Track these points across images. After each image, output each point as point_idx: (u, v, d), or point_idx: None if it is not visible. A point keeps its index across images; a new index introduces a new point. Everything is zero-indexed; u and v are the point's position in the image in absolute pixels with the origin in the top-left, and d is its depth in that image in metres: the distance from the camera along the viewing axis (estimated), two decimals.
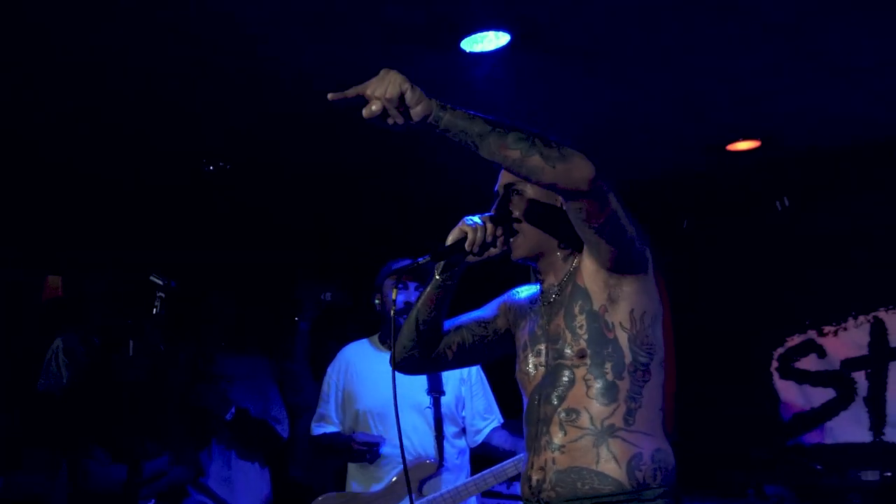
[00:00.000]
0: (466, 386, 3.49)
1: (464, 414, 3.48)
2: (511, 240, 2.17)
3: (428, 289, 2.25)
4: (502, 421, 3.55)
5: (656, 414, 2.11)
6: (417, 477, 3.25)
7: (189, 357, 4.31)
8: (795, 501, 3.95)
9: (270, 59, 3.21)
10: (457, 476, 3.35)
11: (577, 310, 2.13)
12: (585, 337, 2.11)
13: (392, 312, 3.11)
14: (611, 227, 2.02)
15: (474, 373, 3.52)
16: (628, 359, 2.08)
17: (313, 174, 4.50)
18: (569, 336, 2.13)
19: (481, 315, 2.38)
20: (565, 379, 2.12)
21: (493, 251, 2.16)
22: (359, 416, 3.42)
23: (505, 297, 2.39)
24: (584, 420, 2.07)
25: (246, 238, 5.27)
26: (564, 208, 2.06)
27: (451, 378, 3.42)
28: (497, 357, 2.42)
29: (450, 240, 2.14)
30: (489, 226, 2.12)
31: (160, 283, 3.09)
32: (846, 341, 4.30)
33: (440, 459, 3.30)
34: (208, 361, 4.28)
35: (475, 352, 2.38)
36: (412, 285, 3.35)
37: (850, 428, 4.25)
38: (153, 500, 4.00)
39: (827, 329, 4.35)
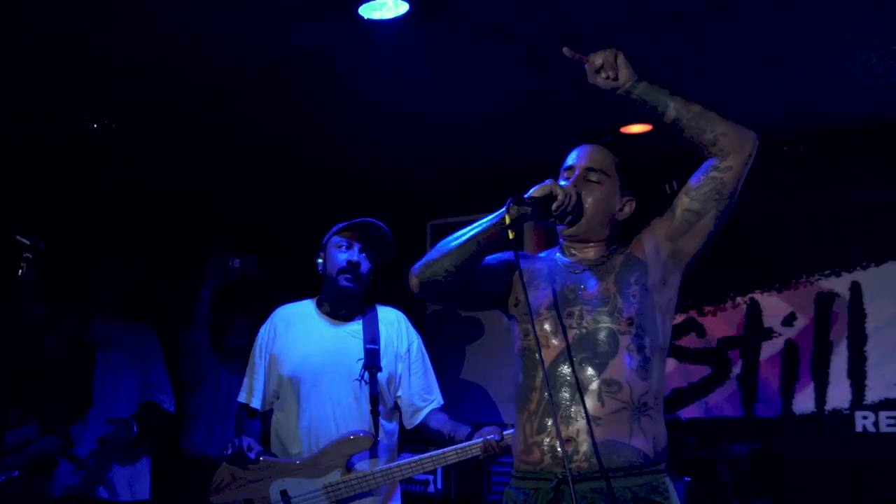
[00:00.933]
0: (404, 363, 3.28)
1: (399, 393, 3.28)
2: (577, 217, 2.26)
3: (489, 226, 2.20)
4: (442, 403, 3.35)
5: (663, 395, 2.23)
6: (348, 452, 3.07)
7: (73, 324, 4.17)
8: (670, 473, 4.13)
9: (171, 26, 3.10)
10: (388, 457, 3.17)
11: (633, 279, 2.22)
12: (637, 306, 2.18)
13: (336, 272, 3.18)
14: (728, 204, 2.22)
15: (414, 349, 3.33)
16: (660, 339, 2.21)
17: (234, 143, 4.38)
18: (620, 301, 2.19)
19: (496, 264, 2.35)
20: (606, 345, 2.16)
21: (559, 222, 2.26)
22: (283, 381, 3.22)
23: (512, 254, 2.24)
24: (625, 394, 2.12)
25: (156, 204, 5.09)
26: (700, 175, 2.23)
27: (387, 354, 3.24)
28: (493, 308, 2.40)
29: (537, 193, 2.19)
30: (574, 197, 2.23)
31: (27, 243, 2.89)
32: (724, 321, 4.49)
33: (375, 435, 3.10)
34: (84, 327, 4.15)
35: (485, 297, 2.36)
36: (357, 246, 3.22)
37: (723, 403, 4.44)
38: (17, 472, 3.84)
39: (707, 308, 4.52)
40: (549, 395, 2.14)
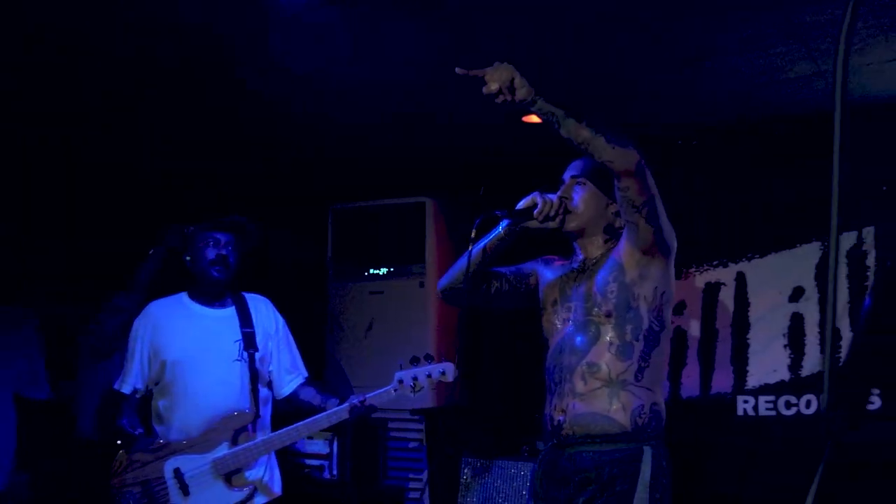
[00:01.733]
0: (274, 341, 3.58)
1: (271, 369, 3.57)
2: (567, 216, 2.70)
3: (491, 238, 2.77)
4: (306, 376, 3.67)
5: (659, 375, 2.65)
6: (233, 426, 3.31)
7: None
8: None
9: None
10: (267, 427, 3.45)
11: (611, 278, 2.63)
12: (614, 301, 2.60)
13: (208, 264, 3.43)
14: (649, 209, 2.53)
15: (281, 329, 3.63)
16: (645, 325, 2.58)
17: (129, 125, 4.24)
18: (599, 298, 2.62)
19: (519, 269, 2.91)
20: (591, 334, 2.61)
21: (551, 224, 2.69)
22: (165, 366, 3.41)
23: (539, 260, 2.92)
24: (604, 374, 2.56)
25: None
26: (616, 193, 2.58)
27: (260, 335, 3.51)
28: (520, 306, 2.93)
29: (522, 205, 2.69)
30: (556, 202, 2.67)
31: None
32: None
33: (255, 410, 3.37)
34: None
35: (506, 297, 2.88)
36: (223, 239, 3.46)
37: None
38: None
39: None
40: (550, 373, 2.69)
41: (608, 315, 2.59)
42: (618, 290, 2.61)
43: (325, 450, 4.72)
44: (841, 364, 3.92)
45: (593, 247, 2.77)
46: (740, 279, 4.33)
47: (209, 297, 3.51)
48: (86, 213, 4.94)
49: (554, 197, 2.71)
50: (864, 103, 3.80)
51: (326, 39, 3.22)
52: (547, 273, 2.87)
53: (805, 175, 4.05)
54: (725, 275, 4.37)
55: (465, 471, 4.34)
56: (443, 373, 3.20)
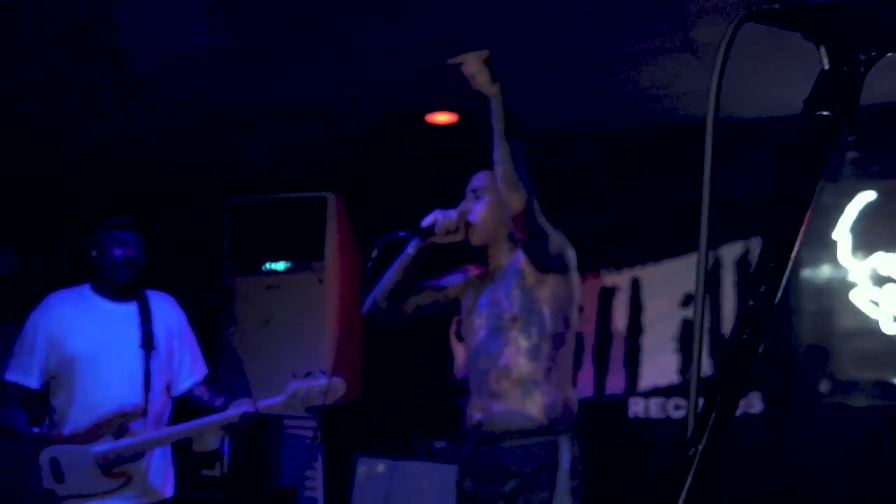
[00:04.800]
0: (177, 339, 3.58)
1: (171, 366, 3.56)
2: (469, 230, 2.85)
3: (402, 258, 2.87)
4: (206, 372, 3.67)
5: (566, 372, 2.83)
6: (119, 422, 3.29)
7: None
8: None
9: None
10: (158, 427, 3.42)
11: (513, 283, 2.80)
12: (518, 306, 2.77)
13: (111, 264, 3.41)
14: (533, 244, 2.73)
15: (183, 326, 3.64)
16: (549, 327, 2.76)
17: None
18: (504, 304, 2.80)
19: (437, 283, 3.02)
20: (501, 338, 2.78)
21: (453, 238, 2.84)
22: (63, 360, 3.38)
23: (459, 270, 3.05)
24: (515, 374, 2.74)
25: None
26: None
27: (162, 330, 3.51)
28: (443, 315, 3.12)
29: (425, 223, 2.82)
30: (454, 219, 2.82)
31: None
32: None
33: (145, 406, 3.34)
34: None
35: (428, 311, 3.01)
36: (132, 239, 3.46)
37: None
38: None
39: None
40: (470, 377, 2.88)
41: (514, 319, 2.76)
42: (520, 295, 2.78)
43: (216, 446, 4.62)
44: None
45: (500, 254, 2.91)
46: (635, 284, 4.44)
47: (114, 292, 3.49)
48: None
49: (454, 213, 2.85)
50: (760, 118, 3.95)
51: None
52: (464, 282, 3.01)
53: (699, 183, 4.17)
54: (621, 279, 4.47)
55: (360, 470, 4.31)
56: (334, 390, 3.27)
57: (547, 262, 2.78)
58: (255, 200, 5.06)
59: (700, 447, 0.77)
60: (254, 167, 4.97)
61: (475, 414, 2.82)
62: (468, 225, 2.87)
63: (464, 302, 3.00)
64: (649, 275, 4.42)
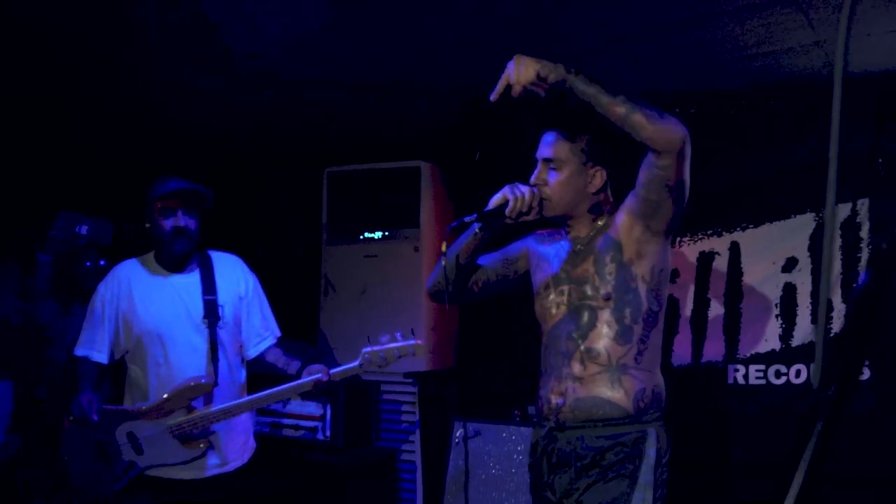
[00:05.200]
0: (244, 303, 3.51)
1: (241, 331, 3.51)
2: (545, 204, 2.58)
3: (468, 238, 2.70)
4: (279, 335, 3.61)
5: (657, 354, 2.57)
6: (190, 395, 3.25)
7: None
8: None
9: None
10: (231, 396, 3.37)
11: (608, 259, 2.52)
12: (613, 283, 2.50)
13: (165, 234, 3.34)
14: (679, 189, 2.42)
15: (251, 289, 3.55)
16: (644, 307, 2.50)
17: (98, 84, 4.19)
18: (597, 280, 2.53)
19: (505, 255, 2.82)
20: (587, 319, 2.52)
21: (527, 218, 2.58)
22: (132, 335, 3.37)
23: (527, 240, 2.82)
24: (603, 358, 2.49)
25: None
26: (645, 169, 2.43)
27: (229, 297, 3.45)
28: (511, 292, 2.87)
29: (493, 203, 2.57)
30: (527, 196, 2.54)
31: None
32: None
33: (214, 378, 3.31)
34: None
35: (496, 287, 2.81)
36: (179, 210, 3.35)
37: None
38: None
39: None
40: (547, 358, 2.62)
41: (607, 298, 2.51)
42: (616, 271, 2.52)
43: (318, 412, 4.76)
44: (833, 336, 3.95)
45: (581, 227, 2.66)
46: (734, 249, 4.34)
47: (173, 262, 3.43)
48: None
49: (526, 189, 2.58)
50: (864, 75, 3.79)
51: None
52: (537, 254, 2.78)
53: (801, 145, 4.05)
54: (719, 244, 4.37)
55: (457, 434, 4.38)
56: (412, 353, 3.21)
57: (668, 226, 2.52)
58: (353, 170, 5.14)
59: (824, 413, 0.75)
60: (351, 138, 5.04)
61: (554, 398, 2.56)
62: (543, 200, 2.61)
63: (538, 277, 2.73)
64: (749, 239, 4.31)
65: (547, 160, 2.63)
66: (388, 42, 3.58)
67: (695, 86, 4.19)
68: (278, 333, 3.60)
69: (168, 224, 3.34)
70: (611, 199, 2.71)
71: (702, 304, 4.39)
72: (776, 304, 4.18)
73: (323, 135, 5.04)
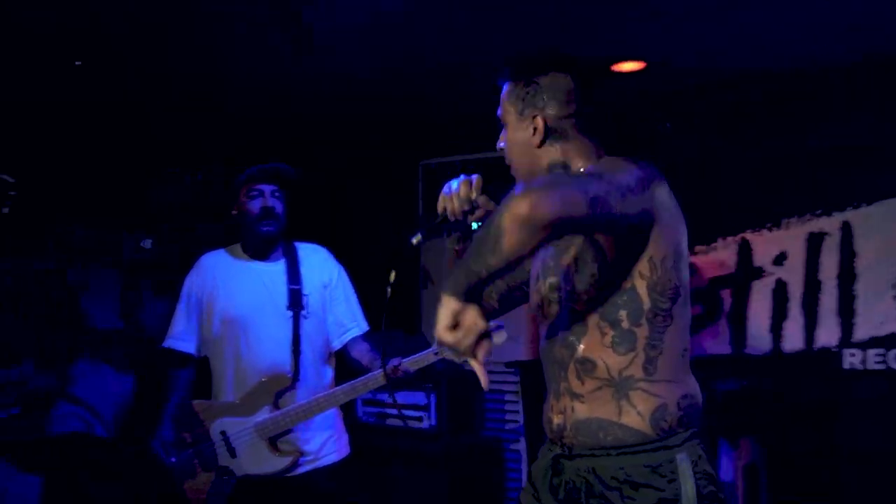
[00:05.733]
0: (329, 291, 3.37)
1: (327, 321, 3.38)
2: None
3: (448, 256, 2.33)
4: (365, 329, 3.43)
5: (678, 358, 1.97)
6: (272, 389, 3.19)
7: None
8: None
9: None
10: (315, 390, 3.25)
11: (590, 258, 1.96)
12: (599, 280, 1.94)
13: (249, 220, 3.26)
14: (602, 223, 1.80)
15: (335, 277, 3.41)
16: (646, 305, 1.92)
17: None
18: (579, 281, 1.98)
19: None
20: (578, 322, 1.99)
21: (478, 213, 2.15)
22: (214, 327, 3.30)
23: None
24: (601, 370, 1.95)
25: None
26: None
27: (314, 288, 3.33)
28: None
29: (439, 210, 2.16)
30: (461, 191, 2.12)
31: (10, 181, 2.89)
32: (715, 260, 4.51)
33: (296, 373, 3.22)
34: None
35: (517, 296, 2.30)
36: (267, 190, 3.26)
37: (713, 341, 4.50)
38: (17, 409, 3.91)
39: (698, 248, 4.55)
40: (543, 365, 2.11)
41: (593, 297, 1.96)
42: (599, 272, 1.95)
43: (423, 401, 4.80)
44: None
45: None
46: (846, 229, 4.16)
47: (259, 250, 3.32)
48: None
49: (458, 183, 2.15)
50: None
51: None
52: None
53: None
54: (829, 224, 4.20)
55: None
56: (494, 338, 3.04)
57: (625, 237, 1.90)
58: (448, 161, 5.15)
59: None
60: (445, 128, 5.05)
61: (554, 417, 2.05)
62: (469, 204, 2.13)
63: (533, 269, 2.20)
64: (861, 218, 4.13)
65: (498, 119, 2.15)
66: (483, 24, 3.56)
67: (793, 63, 4.03)
68: (365, 327, 3.43)
69: (256, 205, 3.24)
70: (581, 157, 2.07)
71: (813, 287, 4.23)
72: (894, 285, 3.99)
73: (419, 125, 5.06)
